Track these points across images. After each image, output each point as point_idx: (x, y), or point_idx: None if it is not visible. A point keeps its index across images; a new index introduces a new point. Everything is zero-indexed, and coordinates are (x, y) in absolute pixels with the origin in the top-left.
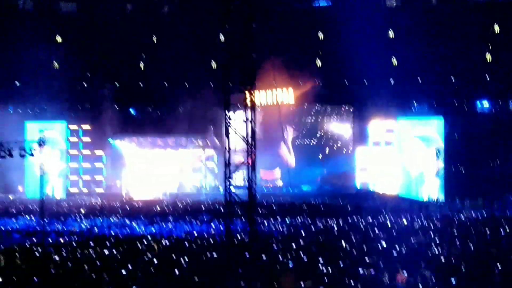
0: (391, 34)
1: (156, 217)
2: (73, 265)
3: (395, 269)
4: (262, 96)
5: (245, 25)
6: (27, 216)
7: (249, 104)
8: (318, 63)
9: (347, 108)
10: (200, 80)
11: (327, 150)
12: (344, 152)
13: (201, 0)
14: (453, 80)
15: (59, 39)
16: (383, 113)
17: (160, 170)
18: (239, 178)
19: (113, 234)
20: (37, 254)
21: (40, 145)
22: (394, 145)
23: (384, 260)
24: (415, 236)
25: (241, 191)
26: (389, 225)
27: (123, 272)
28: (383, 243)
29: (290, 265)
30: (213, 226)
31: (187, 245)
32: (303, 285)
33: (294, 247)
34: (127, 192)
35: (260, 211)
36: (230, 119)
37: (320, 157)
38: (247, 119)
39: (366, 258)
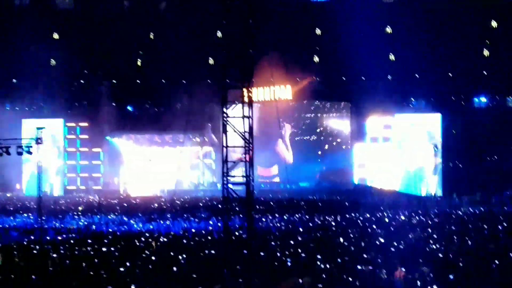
0: (388, 30)
1: (154, 214)
2: (71, 262)
3: (393, 265)
4: (259, 93)
5: (242, 21)
6: (25, 213)
7: (246, 100)
8: (316, 59)
9: (345, 104)
10: (197, 77)
11: (325, 147)
12: (342, 148)
13: None
14: (451, 76)
15: (56, 36)
16: (381, 109)
17: (157, 167)
18: (238, 175)
19: (111, 231)
20: (35, 252)
21: (37, 142)
22: (392, 141)
23: (382, 256)
24: (413, 232)
25: (239, 188)
26: (387, 221)
27: (121, 269)
28: (381, 239)
29: (288, 262)
30: (211, 223)
31: (185, 242)
32: (301, 282)
33: (292, 244)
34: (125, 189)
35: (258, 208)
36: (227, 115)
37: (318, 154)
38: (244, 115)
39: (364, 254)
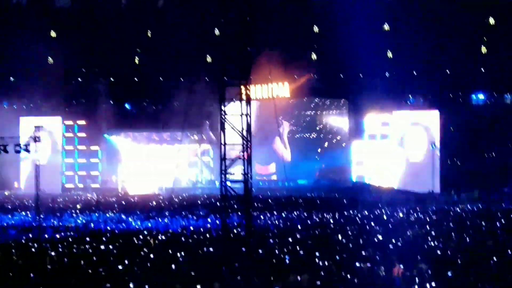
0: (386, 27)
1: (152, 212)
2: (69, 260)
3: (391, 262)
4: (257, 90)
5: (240, 19)
6: (23, 212)
7: (244, 98)
8: (314, 56)
9: (343, 101)
10: (195, 75)
11: (323, 144)
12: (340, 145)
13: None
14: (449, 74)
15: (53, 33)
16: (378, 106)
17: (155, 165)
18: (236, 173)
19: (109, 229)
20: (33, 250)
21: (35, 141)
22: (390, 138)
23: (381, 253)
24: (411, 229)
25: (237, 185)
26: (385, 218)
27: (120, 267)
28: (379, 236)
29: (287, 259)
30: (209, 221)
31: (184, 240)
32: (299, 279)
33: (291, 241)
34: (123, 187)
35: (256, 205)
36: (225, 113)
37: (316, 151)
38: (242, 113)
39: (363, 251)
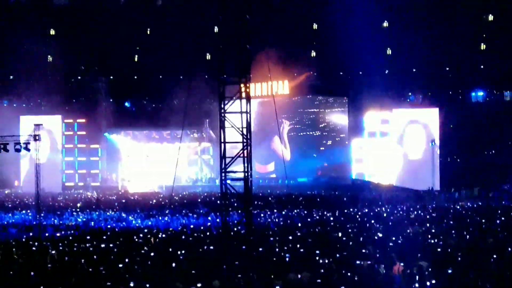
0: (385, 25)
1: (152, 210)
2: (70, 259)
3: (391, 260)
4: (257, 88)
5: (239, 17)
6: (23, 210)
7: (244, 96)
8: (313, 54)
9: (342, 99)
10: (195, 73)
11: (323, 142)
12: (340, 143)
13: None
14: (448, 71)
15: (52, 32)
16: (378, 104)
17: (156, 163)
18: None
19: (109, 227)
20: (34, 249)
21: (35, 139)
22: (390, 136)
23: (381, 251)
24: (411, 226)
25: (237, 183)
26: (385, 216)
27: (120, 265)
28: (379, 234)
29: (287, 257)
30: (210, 219)
31: (184, 238)
32: (300, 277)
33: (291, 239)
34: (123, 186)
35: (256, 203)
36: (225, 111)
37: (316, 149)
38: (242, 111)
39: (363, 249)
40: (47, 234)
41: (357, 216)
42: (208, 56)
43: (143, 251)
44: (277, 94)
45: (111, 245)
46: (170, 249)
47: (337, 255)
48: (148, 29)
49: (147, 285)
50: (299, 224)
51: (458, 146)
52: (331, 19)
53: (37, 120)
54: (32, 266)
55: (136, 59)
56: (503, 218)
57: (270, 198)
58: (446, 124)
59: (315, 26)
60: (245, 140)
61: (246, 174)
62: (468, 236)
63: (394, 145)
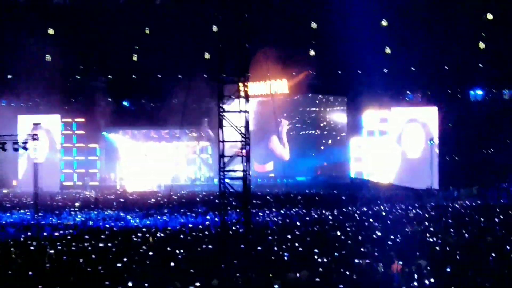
0: (384, 23)
1: (151, 209)
2: (68, 258)
3: (390, 259)
4: (256, 87)
5: (238, 15)
6: (21, 210)
7: (242, 95)
8: (312, 53)
9: (341, 98)
10: (193, 72)
11: (322, 141)
12: (338, 142)
13: None
14: (447, 70)
15: (51, 31)
16: (377, 102)
17: (154, 162)
18: (234, 170)
19: (108, 227)
20: (32, 248)
21: (33, 138)
22: (389, 135)
23: (379, 249)
24: (410, 225)
25: (236, 182)
26: (384, 215)
27: (119, 265)
28: (378, 232)
29: (286, 256)
30: (208, 218)
31: (182, 237)
32: (298, 276)
33: (290, 238)
34: (122, 185)
35: (255, 202)
36: (223, 110)
37: (314, 148)
38: (241, 110)
39: (361, 248)
40: (45, 234)
41: (356, 215)
42: (207, 55)
43: (141, 250)
44: (276, 93)
45: (109, 244)
46: (169, 248)
47: (336, 254)
48: (147, 28)
49: (146, 285)
50: (298, 223)
51: (457, 145)
52: (329, 18)
53: (35, 119)
54: (30, 265)
55: (134, 59)
56: (501, 217)
57: (268, 197)
58: (445, 122)
59: (313, 25)
60: (243, 139)
61: (244, 173)
62: (467, 235)
63: (393, 144)
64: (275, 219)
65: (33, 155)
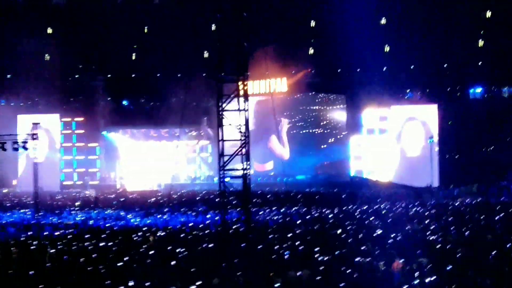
0: (383, 21)
1: (151, 208)
2: (68, 258)
3: (391, 257)
4: (255, 86)
5: (237, 14)
6: (22, 209)
7: (242, 94)
8: (311, 51)
9: (340, 96)
10: (192, 71)
11: (321, 139)
12: (338, 140)
13: None
14: (447, 67)
15: (50, 30)
16: (376, 101)
17: (154, 162)
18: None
19: (108, 226)
20: (33, 248)
21: (33, 138)
22: (388, 133)
23: (380, 248)
24: (410, 223)
25: (236, 181)
26: (384, 213)
27: (119, 264)
28: (379, 231)
29: (286, 255)
30: (209, 217)
31: (183, 236)
32: (299, 275)
33: (290, 236)
34: (122, 184)
35: (255, 201)
36: (223, 109)
37: (314, 146)
38: (240, 109)
39: (362, 246)
40: (45, 233)
41: (356, 213)
42: (206, 54)
43: (142, 249)
44: (275, 91)
45: (110, 243)
46: (169, 247)
47: (336, 252)
48: (146, 27)
49: (147, 284)
50: (298, 222)
51: (457, 143)
52: (329, 17)
53: (35, 119)
54: (30, 265)
55: (133, 57)
56: (502, 214)
57: (268, 196)
58: (445, 120)
59: (312, 23)
60: (243, 138)
61: (244, 171)
62: (467, 233)
63: (393, 142)
64: (275, 217)
65: (33, 155)
